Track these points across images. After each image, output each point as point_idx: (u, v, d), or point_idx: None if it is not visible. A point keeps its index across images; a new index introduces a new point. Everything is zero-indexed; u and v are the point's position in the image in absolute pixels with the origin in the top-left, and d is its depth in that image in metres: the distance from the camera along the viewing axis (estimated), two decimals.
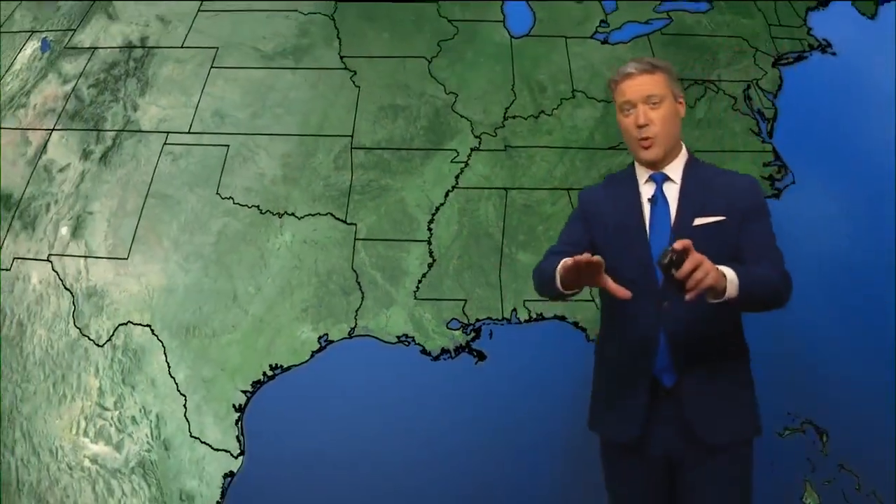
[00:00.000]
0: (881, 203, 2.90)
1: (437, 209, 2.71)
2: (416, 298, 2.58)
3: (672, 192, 2.10)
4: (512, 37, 3.12)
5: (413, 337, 2.53)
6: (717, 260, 1.88)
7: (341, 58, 3.05)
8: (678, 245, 1.70)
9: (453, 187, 2.75)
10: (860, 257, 2.77)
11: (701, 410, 2.00)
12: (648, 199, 2.11)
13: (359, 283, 2.60)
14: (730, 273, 1.82)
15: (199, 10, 3.26)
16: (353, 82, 2.98)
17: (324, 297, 2.59)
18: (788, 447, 2.52)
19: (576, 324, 2.57)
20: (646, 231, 2.07)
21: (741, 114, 3.03)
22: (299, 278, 2.63)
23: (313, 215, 2.72)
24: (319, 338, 2.53)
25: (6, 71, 3.28)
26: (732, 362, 2.09)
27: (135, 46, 3.20)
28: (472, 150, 2.82)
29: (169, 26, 3.24)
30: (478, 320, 2.56)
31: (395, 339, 2.53)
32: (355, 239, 2.67)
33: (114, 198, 2.83)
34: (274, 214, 2.73)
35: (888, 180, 2.97)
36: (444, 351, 2.51)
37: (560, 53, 3.08)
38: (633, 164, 2.19)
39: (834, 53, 3.32)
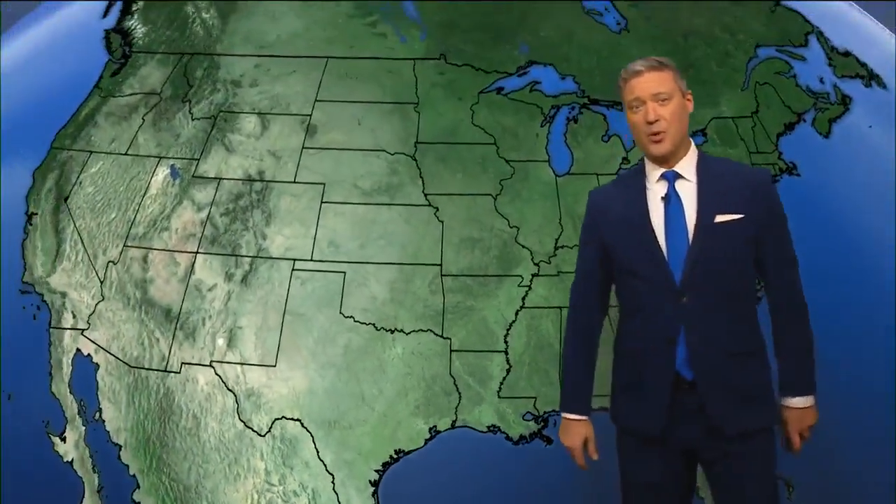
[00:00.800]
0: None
1: (510, 325, 3.59)
2: (499, 397, 3.46)
3: (686, 189, 2.17)
4: (556, 175, 3.98)
5: (499, 426, 3.42)
6: (737, 255, 2.08)
7: (425, 195, 3.87)
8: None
9: (521, 307, 3.62)
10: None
11: (721, 402, 2.09)
12: (662, 198, 2.19)
13: (456, 386, 3.48)
14: (810, 399, 2.11)
15: (303, 148, 4.04)
16: (437, 217, 3.82)
17: (431, 397, 3.47)
18: None
19: None
20: (653, 228, 2.17)
21: None
22: (411, 383, 3.50)
23: (417, 331, 3.57)
24: (430, 429, 3.41)
25: (144, 195, 4.03)
26: (750, 353, 2.16)
27: (254, 180, 3.98)
28: (532, 275, 3.70)
29: (280, 161, 4.02)
30: (545, 413, 3.45)
31: (486, 429, 3.41)
32: (451, 351, 3.54)
33: (258, 315, 3.65)
34: (387, 331, 3.57)
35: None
36: (521, 437, 3.41)
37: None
38: (642, 160, 2.26)
39: (798, 175, 4.22)
